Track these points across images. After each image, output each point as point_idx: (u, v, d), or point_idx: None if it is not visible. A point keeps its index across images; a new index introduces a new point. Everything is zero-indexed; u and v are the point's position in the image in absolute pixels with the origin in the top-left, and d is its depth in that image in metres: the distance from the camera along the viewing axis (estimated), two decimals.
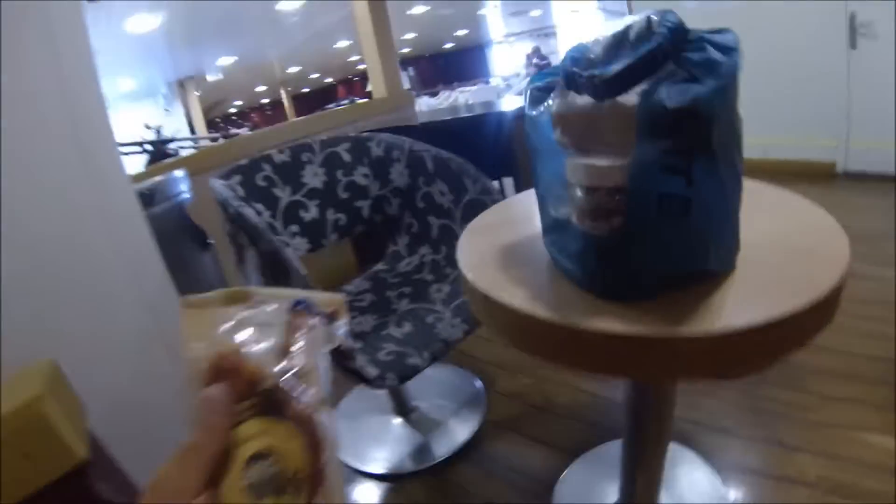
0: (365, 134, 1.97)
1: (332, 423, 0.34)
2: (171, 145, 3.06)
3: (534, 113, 0.72)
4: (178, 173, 1.88)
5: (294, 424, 0.32)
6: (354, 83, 18.99)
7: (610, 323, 0.62)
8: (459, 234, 1.01)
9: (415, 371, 1.25)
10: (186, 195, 1.86)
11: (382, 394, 1.82)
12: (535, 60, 13.00)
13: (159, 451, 0.33)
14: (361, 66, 14.35)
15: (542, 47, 16.19)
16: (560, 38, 16.60)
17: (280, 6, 8.35)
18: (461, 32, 17.82)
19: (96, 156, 1.25)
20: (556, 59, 15.33)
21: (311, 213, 1.83)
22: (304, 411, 0.33)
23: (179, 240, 1.72)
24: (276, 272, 1.25)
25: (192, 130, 12.08)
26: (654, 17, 0.59)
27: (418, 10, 11.60)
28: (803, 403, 1.52)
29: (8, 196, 1.02)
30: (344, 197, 1.89)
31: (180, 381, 0.34)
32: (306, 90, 20.24)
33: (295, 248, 1.76)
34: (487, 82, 15.13)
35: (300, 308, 0.38)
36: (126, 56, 8.16)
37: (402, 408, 1.80)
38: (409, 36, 15.97)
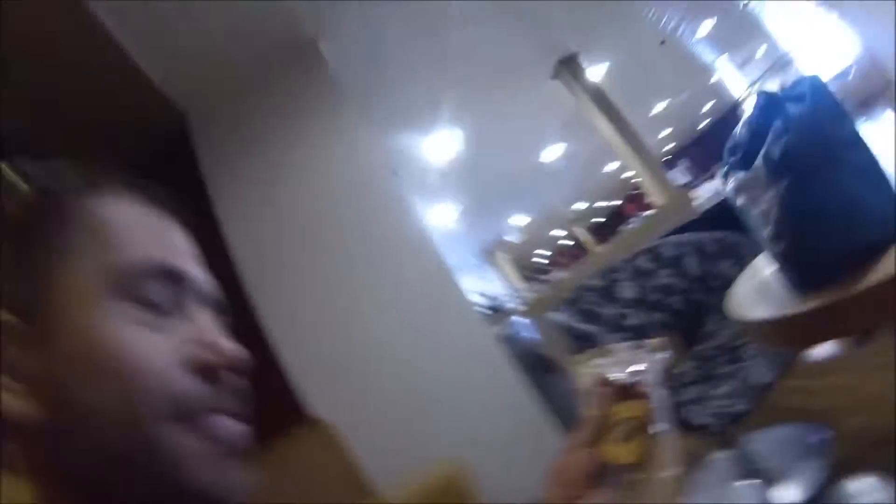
0: (654, 243, 2.29)
1: (660, 401, 0.64)
2: (506, 305, 3.71)
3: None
4: (522, 319, 2.40)
5: (640, 400, 0.65)
6: (637, 196, 19.38)
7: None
8: None
9: (732, 417, 1.45)
10: (532, 335, 2.35)
11: (730, 462, 1.94)
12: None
13: None
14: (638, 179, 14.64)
15: (785, 79, 15.00)
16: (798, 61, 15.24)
17: (543, 157, 9.39)
18: (708, 106, 17.45)
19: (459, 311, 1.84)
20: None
21: (632, 319, 2.16)
22: (644, 393, 0.66)
23: (532, 366, 2.18)
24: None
25: (513, 288, 13.40)
26: None
27: (659, 107, 11.88)
28: None
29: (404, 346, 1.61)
30: (656, 298, 2.19)
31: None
32: (600, 219, 21.11)
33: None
34: None
35: (639, 349, 0.73)
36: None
37: (749, 471, 1.87)
38: (666, 132, 16.12)
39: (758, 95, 0.87)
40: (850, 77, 10.20)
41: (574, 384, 0.69)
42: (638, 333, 2.12)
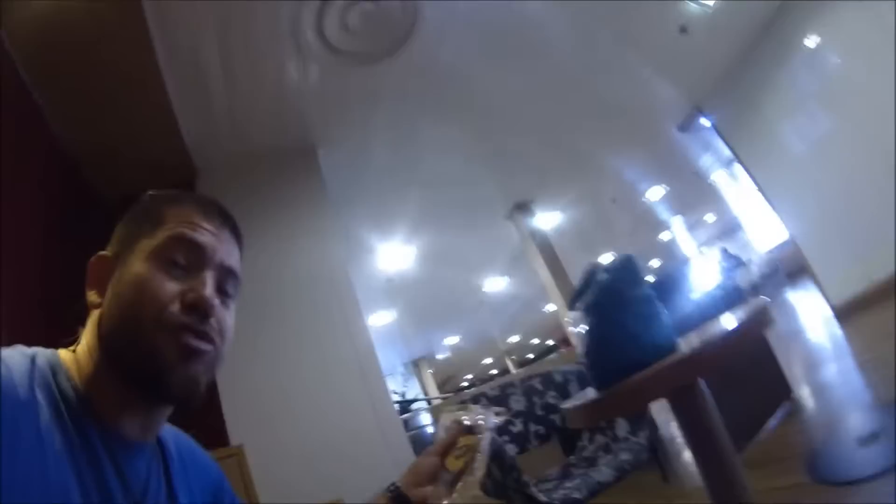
0: (548, 370, 2.77)
1: (487, 441, 1.01)
2: (415, 405, 4.10)
3: None
4: (424, 414, 2.82)
5: (475, 437, 1.02)
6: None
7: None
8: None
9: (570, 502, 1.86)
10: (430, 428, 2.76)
11: None
12: (726, 264, 13.19)
13: None
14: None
15: (731, 244, 15.73)
16: (746, 227, 15.95)
17: (486, 288, 9.93)
18: (655, 263, 18.25)
19: (373, 390, 2.28)
20: (748, 252, 14.93)
21: (517, 427, 2.59)
22: (478, 434, 1.02)
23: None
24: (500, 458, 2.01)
25: (429, 402, 13.52)
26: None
27: (605, 257, 12.46)
28: None
29: (328, 406, 2.04)
30: (540, 414, 2.63)
31: None
32: (530, 356, 21.51)
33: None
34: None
35: (485, 410, 1.14)
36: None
37: None
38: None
39: (588, 265, 1.40)
40: (779, 253, 11.40)
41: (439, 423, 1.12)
42: (520, 441, 2.54)
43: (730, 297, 3.62)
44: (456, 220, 6.15)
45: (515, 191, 6.30)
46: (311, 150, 2.97)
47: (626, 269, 1.34)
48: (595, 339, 1.33)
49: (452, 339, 13.87)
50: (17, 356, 0.63)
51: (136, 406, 0.70)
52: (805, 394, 3.11)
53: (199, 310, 0.70)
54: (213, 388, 2.24)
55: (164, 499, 0.75)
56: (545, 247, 6.77)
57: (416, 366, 14.89)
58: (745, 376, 2.81)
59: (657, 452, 2.84)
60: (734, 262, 13.02)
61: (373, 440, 2.36)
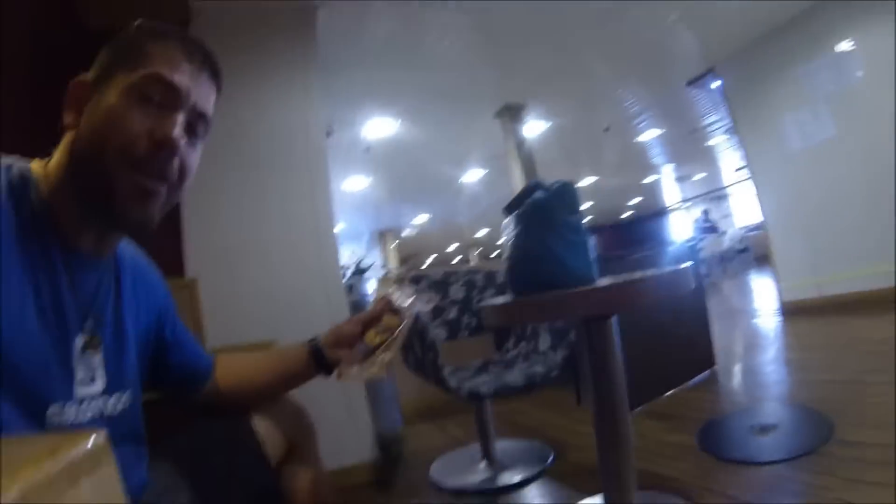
0: (493, 269, 2.91)
1: (407, 323, 1.11)
2: (367, 273, 4.28)
3: None
4: (371, 283, 2.99)
5: (398, 317, 1.12)
6: None
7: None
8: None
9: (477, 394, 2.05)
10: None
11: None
12: (701, 225, 13.40)
13: None
14: None
15: (715, 210, 16.09)
16: (732, 200, 16.53)
17: (463, 178, 9.99)
18: (635, 200, 18.61)
19: (325, 254, 2.46)
20: (728, 222, 15.19)
21: (452, 314, 2.76)
22: (402, 315, 1.11)
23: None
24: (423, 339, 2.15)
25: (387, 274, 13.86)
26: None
27: (588, 180, 12.37)
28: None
29: (281, 259, 2.22)
30: (475, 308, 2.80)
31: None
32: (495, 254, 21.82)
33: (436, 335, 2.67)
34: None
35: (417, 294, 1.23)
36: (341, 205, 10.29)
37: (489, 457, 2.41)
38: (587, 205, 16.47)
39: (531, 181, 1.51)
40: (753, 235, 11.56)
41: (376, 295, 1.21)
42: (452, 328, 2.73)
43: (690, 259, 3.74)
44: (445, 105, 6.05)
45: (509, 91, 6.18)
46: (311, 9, 2.92)
47: (564, 195, 1.44)
48: (517, 248, 1.46)
49: (422, 218, 14.01)
50: None
51: (92, 226, 0.77)
52: (726, 369, 3.25)
53: (164, 148, 0.74)
54: (177, 223, 2.38)
55: (110, 312, 0.83)
56: (526, 155, 6.77)
57: (381, 236, 15.16)
58: (677, 335, 3.00)
59: (576, 374, 3.07)
60: (709, 227, 13.19)
61: (315, 296, 2.54)
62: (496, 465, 2.35)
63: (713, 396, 2.76)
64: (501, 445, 2.49)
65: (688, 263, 1.35)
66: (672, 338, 2.97)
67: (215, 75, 0.85)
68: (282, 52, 2.75)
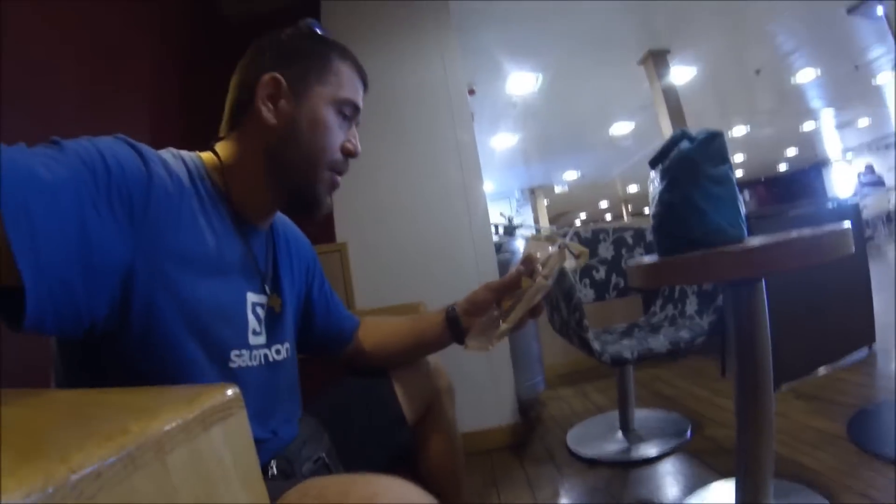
0: (642, 226, 2.80)
1: (540, 288, 1.04)
2: (518, 231, 4.28)
3: None
4: (517, 241, 2.99)
5: (534, 281, 1.06)
6: None
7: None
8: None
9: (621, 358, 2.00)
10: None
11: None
12: (864, 179, 11.67)
13: None
14: None
15: (881, 162, 14.06)
16: None
17: (612, 131, 9.62)
18: (791, 152, 16.88)
19: (473, 213, 2.47)
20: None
21: (599, 275, 2.71)
22: (546, 273, 1.06)
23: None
24: (569, 299, 2.10)
25: (538, 231, 13.86)
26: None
27: (738, 131, 11.62)
28: None
29: (429, 220, 2.29)
30: (624, 268, 2.71)
31: None
32: (647, 210, 20.82)
33: (584, 296, 2.64)
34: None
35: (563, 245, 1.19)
36: (490, 165, 10.33)
37: (626, 427, 2.38)
38: (739, 158, 15.67)
39: (676, 131, 1.41)
40: None
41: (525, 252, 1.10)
42: (600, 289, 2.67)
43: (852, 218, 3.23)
44: (588, 55, 5.83)
45: (653, 36, 5.84)
46: None
47: (710, 145, 1.34)
48: (662, 204, 1.38)
49: (572, 175, 13.76)
50: (171, 156, 0.81)
51: (269, 207, 0.93)
52: (887, 349, 2.77)
53: (353, 156, 0.94)
54: None
55: (271, 274, 0.96)
56: (674, 102, 6.42)
57: (532, 194, 15.11)
58: (832, 306, 2.62)
59: (723, 343, 2.92)
60: (875, 182, 11.37)
61: (463, 256, 2.57)
62: (632, 436, 2.30)
63: (869, 380, 2.42)
64: (640, 415, 2.45)
65: (848, 223, 1.19)
66: (827, 309, 2.60)
67: (366, 85, 0.99)
68: (415, 14, 2.77)
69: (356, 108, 0.94)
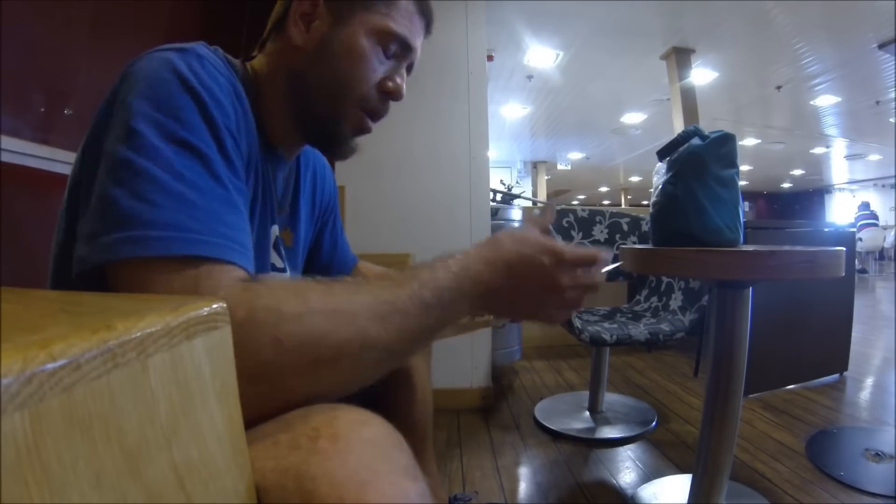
0: (640, 215, 2.79)
1: None
2: (516, 201, 4.28)
3: None
4: (516, 210, 2.99)
5: None
6: None
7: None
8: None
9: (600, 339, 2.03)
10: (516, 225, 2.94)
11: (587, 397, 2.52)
12: (858, 214, 11.76)
13: None
14: None
15: (883, 200, 14.17)
16: None
17: (624, 118, 9.57)
18: (797, 172, 16.87)
19: (474, 175, 2.46)
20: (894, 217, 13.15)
21: None
22: None
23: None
24: None
25: (534, 203, 13.82)
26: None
27: (749, 141, 11.65)
28: None
29: (430, 175, 2.30)
30: (616, 252, 2.72)
31: None
32: (646, 202, 20.83)
33: None
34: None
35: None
36: (497, 132, 10.26)
37: (594, 408, 2.44)
38: (744, 168, 15.57)
39: (690, 126, 1.40)
40: None
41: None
42: None
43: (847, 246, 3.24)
44: (612, 41, 5.79)
45: (680, 34, 5.78)
46: None
47: (722, 146, 1.34)
48: (664, 195, 1.38)
49: (576, 155, 13.71)
50: (224, 68, 0.71)
51: (294, 136, 0.85)
52: (857, 378, 2.91)
53: (394, 98, 0.84)
54: None
55: (290, 205, 0.94)
56: (690, 102, 6.39)
57: (534, 167, 15.06)
58: (812, 327, 2.72)
59: (700, 344, 2.96)
60: (868, 217, 11.43)
61: (458, 215, 2.59)
62: (599, 418, 2.36)
63: (835, 404, 2.48)
64: (609, 398, 2.51)
65: (841, 249, 1.20)
66: (807, 329, 2.69)
67: (430, 28, 0.88)
68: None
69: (408, 48, 0.82)
